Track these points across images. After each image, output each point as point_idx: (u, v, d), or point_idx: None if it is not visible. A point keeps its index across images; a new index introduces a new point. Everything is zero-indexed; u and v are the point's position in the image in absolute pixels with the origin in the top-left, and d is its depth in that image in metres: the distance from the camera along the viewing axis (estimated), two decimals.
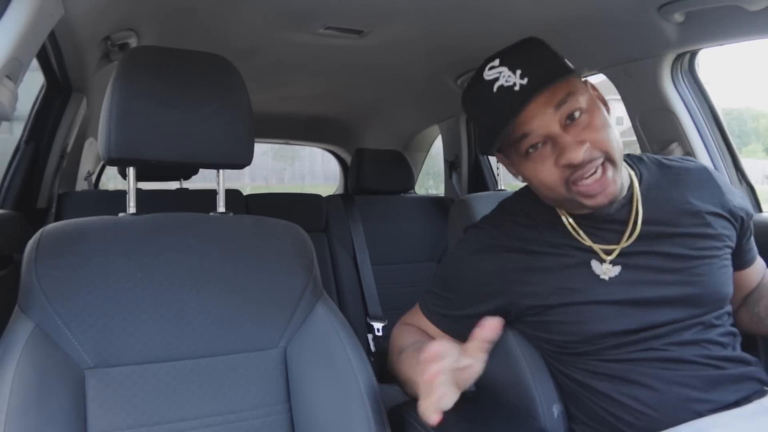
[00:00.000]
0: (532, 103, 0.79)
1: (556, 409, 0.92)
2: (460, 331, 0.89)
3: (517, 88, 0.80)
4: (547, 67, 0.82)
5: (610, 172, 0.82)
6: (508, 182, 1.50)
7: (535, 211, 0.93)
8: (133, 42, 1.40)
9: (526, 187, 0.95)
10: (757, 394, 0.84)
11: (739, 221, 0.94)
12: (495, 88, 0.81)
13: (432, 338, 0.93)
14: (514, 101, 0.80)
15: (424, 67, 1.87)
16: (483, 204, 1.63)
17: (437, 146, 2.74)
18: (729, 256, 0.92)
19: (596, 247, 0.88)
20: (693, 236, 0.88)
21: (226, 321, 0.90)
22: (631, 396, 0.84)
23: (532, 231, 0.91)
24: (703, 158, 1.39)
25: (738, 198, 0.96)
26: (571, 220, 0.90)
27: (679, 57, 1.37)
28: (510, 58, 0.82)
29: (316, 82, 2.13)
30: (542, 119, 0.81)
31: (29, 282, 0.81)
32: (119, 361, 0.82)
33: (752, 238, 0.99)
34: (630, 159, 0.96)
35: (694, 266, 0.87)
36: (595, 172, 0.81)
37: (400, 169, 2.40)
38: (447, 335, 0.94)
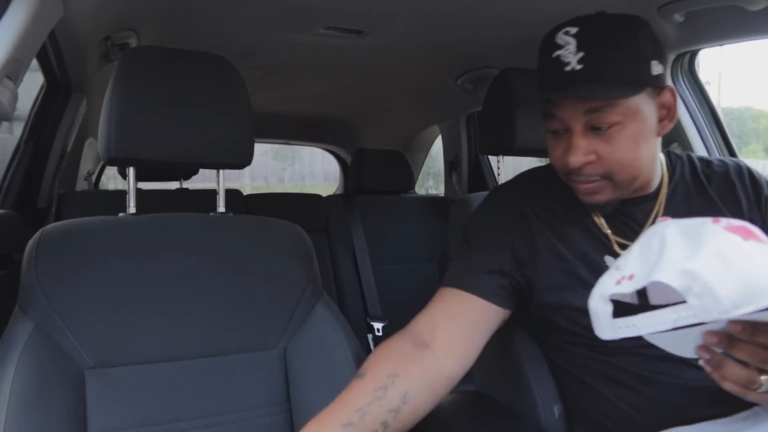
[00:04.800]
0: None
1: (557, 410, 0.92)
2: (496, 291, 0.85)
3: (567, 68, 0.78)
4: (609, 68, 0.77)
5: (605, 186, 0.82)
6: None
7: (562, 184, 0.90)
8: (133, 42, 1.40)
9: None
10: (755, 406, 0.83)
11: None
12: (554, 54, 0.80)
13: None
14: (554, 81, 0.80)
15: (424, 67, 1.86)
16: None
17: (437, 146, 2.74)
18: None
19: (612, 237, 0.86)
20: None
21: (225, 321, 0.90)
22: (625, 400, 0.84)
23: (558, 204, 0.90)
24: None
25: None
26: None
27: (679, 57, 1.37)
28: (586, 33, 0.78)
29: (316, 82, 2.13)
30: (569, 114, 0.80)
31: (29, 282, 0.81)
32: (119, 360, 0.82)
33: None
34: (669, 157, 0.93)
35: None
36: (589, 181, 0.82)
37: (400, 169, 2.40)
38: (491, 302, 0.86)
